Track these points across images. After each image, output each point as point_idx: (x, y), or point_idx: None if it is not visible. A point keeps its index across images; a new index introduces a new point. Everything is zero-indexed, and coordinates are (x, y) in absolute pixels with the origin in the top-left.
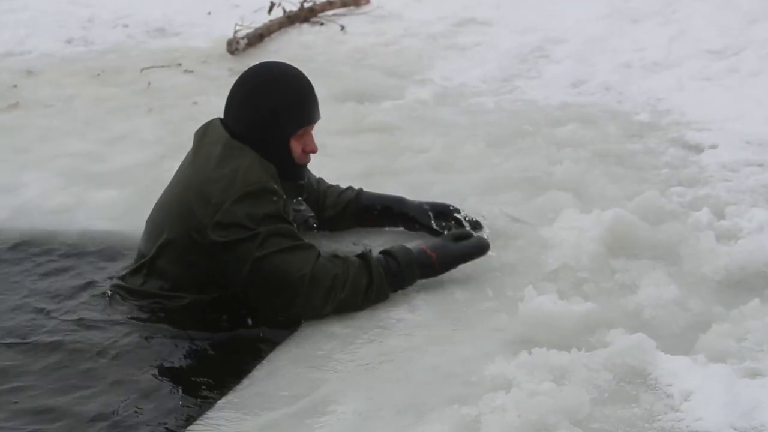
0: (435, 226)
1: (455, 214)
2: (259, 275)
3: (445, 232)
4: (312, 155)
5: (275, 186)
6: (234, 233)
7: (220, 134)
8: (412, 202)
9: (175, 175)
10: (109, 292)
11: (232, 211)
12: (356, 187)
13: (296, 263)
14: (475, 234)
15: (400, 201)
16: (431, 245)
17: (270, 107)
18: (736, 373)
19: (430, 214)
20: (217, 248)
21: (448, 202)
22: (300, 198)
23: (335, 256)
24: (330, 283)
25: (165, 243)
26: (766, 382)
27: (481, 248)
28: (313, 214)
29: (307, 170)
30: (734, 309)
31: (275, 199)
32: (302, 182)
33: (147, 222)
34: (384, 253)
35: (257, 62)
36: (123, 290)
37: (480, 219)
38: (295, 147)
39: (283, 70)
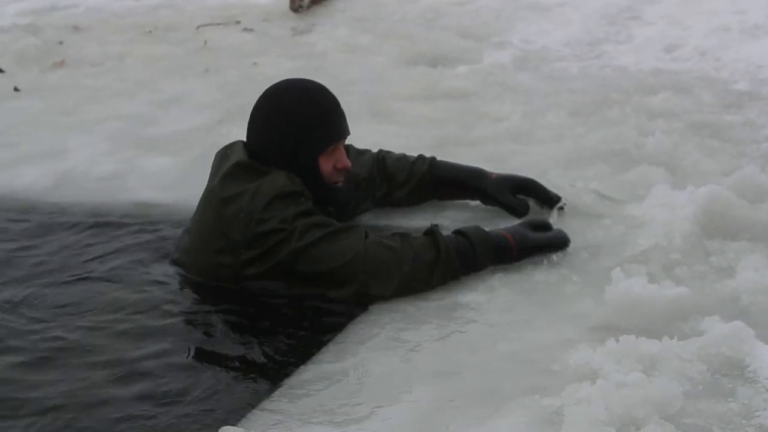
0: (513, 203)
1: (538, 189)
2: (309, 266)
3: (523, 219)
4: (373, 143)
5: (302, 189)
6: (270, 239)
7: (241, 157)
8: (491, 175)
9: (195, 211)
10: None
11: (264, 220)
12: (428, 155)
13: (342, 247)
14: (554, 221)
15: (477, 174)
16: (509, 230)
17: (298, 125)
18: None
19: (509, 190)
20: (256, 261)
21: (530, 176)
22: None
23: (393, 234)
24: (389, 260)
25: (195, 273)
26: None
27: (561, 242)
28: None
29: (343, 192)
30: None
31: (303, 199)
32: (331, 209)
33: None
34: (456, 232)
35: (326, 20)
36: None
37: (562, 195)
38: (325, 165)
39: (307, 86)
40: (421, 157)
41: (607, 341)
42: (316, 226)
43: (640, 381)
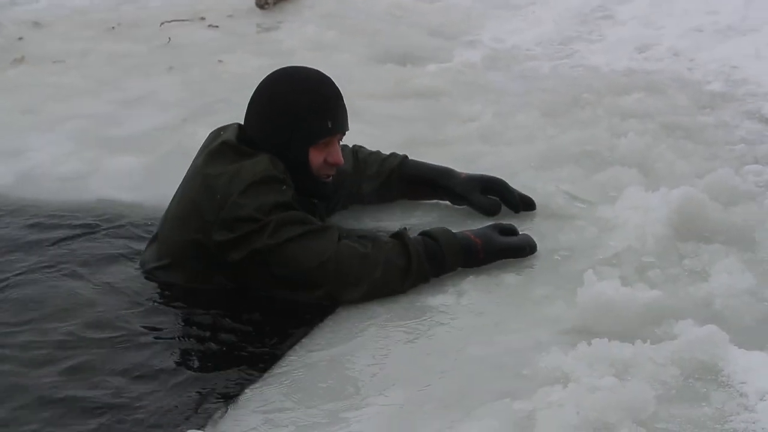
0: (483, 203)
1: (506, 191)
2: (278, 266)
3: (492, 222)
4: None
5: (283, 176)
6: (242, 228)
7: (231, 137)
8: (460, 175)
9: (180, 184)
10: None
11: (239, 205)
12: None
13: (315, 249)
14: (522, 232)
15: (446, 174)
16: (476, 232)
17: (291, 113)
18: None
19: (478, 190)
20: (226, 247)
21: (500, 177)
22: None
23: (363, 236)
24: (359, 266)
25: (166, 249)
26: None
27: (528, 247)
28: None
29: (331, 186)
30: None
31: (284, 188)
32: (315, 201)
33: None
34: (424, 234)
35: (292, 17)
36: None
37: (533, 197)
38: (315, 158)
39: (308, 76)
40: (393, 154)
41: (579, 345)
42: (291, 222)
43: (612, 385)
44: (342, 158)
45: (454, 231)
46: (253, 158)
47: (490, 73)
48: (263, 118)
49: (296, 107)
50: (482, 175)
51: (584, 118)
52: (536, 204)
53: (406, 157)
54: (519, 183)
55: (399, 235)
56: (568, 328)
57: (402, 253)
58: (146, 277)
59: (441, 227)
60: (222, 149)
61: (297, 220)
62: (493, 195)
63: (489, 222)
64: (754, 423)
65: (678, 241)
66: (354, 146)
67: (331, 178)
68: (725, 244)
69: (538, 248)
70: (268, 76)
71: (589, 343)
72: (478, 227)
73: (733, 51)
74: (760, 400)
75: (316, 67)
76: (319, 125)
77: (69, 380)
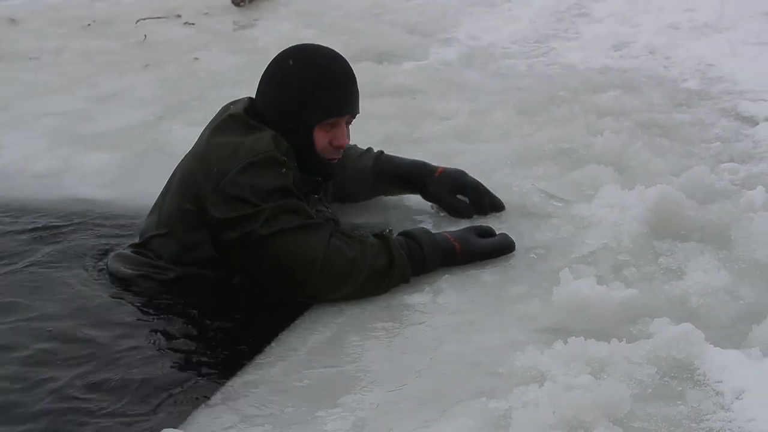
0: (454, 204)
1: (477, 193)
2: (267, 257)
3: (469, 225)
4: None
5: (285, 158)
6: (236, 209)
7: (239, 110)
8: (435, 171)
9: (185, 155)
10: (103, 265)
11: (236, 182)
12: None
13: (306, 245)
14: (498, 232)
15: (420, 171)
16: (455, 235)
17: (299, 88)
18: None
19: (450, 191)
20: (217, 225)
21: (477, 174)
22: (317, 196)
23: (350, 235)
24: (347, 268)
25: (165, 217)
26: None
27: (506, 248)
28: (337, 219)
29: (335, 167)
30: None
31: (284, 170)
32: (318, 179)
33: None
34: (405, 234)
35: (268, 15)
36: (119, 261)
37: (509, 195)
38: (320, 137)
39: (323, 53)
40: (369, 149)
41: (555, 343)
42: (287, 212)
43: (588, 384)
44: (346, 139)
45: (433, 232)
46: (256, 134)
47: (466, 71)
48: (272, 93)
49: (304, 84)
50: (456, 172)
51: (560, 116)
52: (513, 202)
53: (381, 153)
54: (495, 181)
55: (383, 238)
56: (544, 326)
57: (386, 256)
58: (139, 248)
59: (422, 229)
60: (228, 121)
61: (292, 209)
62: (464, 195)
63: (465, 224)
64: (730, 422)
65: (654, 239)
66: None
67: (335, 160)
68: (701, 242)
69: (515, 247)
70: (282, 51)
71: (565, 342)
72: (454, 229)
73: (709, 49)
74: (736, 398)
75: None
76: (325, 104)
77: (35, 381)
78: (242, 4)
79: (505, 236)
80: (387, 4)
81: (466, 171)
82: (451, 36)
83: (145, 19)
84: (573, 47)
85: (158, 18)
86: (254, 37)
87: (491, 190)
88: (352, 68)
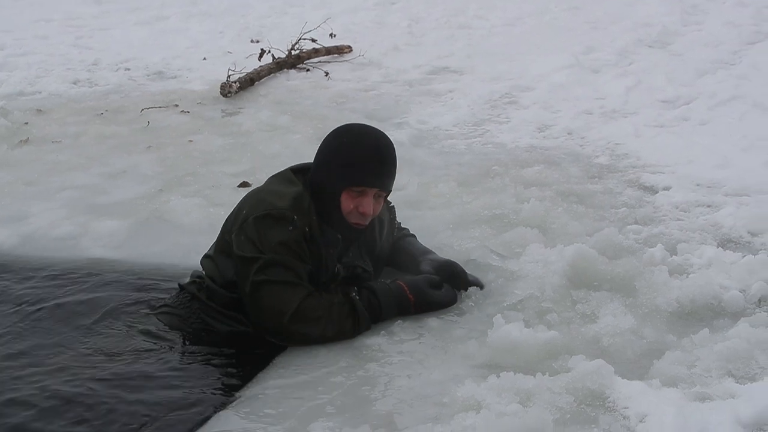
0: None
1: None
2: (254, 297)
3: (425, 275)
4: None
5: (295, 216)
6: (243, 248)
7: (295, 166)
8: (427, 258)
9: None
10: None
11: (250, 226)
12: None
13: (284, 297)
14: (446, 285)
15: (419, 259)
16: (411, 287)
17: (335, 156)
18: (686, 397)
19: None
20: (233, 252)
21: (422, 236)
22: (350, 251)
23: (324, 294)
24: (314, 325)
25: (214, 243)
26: (714, 406)
27: (453, 300)
28: (368, 268)
29: (358, 232)
30: (685, 338)
31: (291, 228)
32: (339, 236)
33: None
34: (367, 288)
35: (251, 104)
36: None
37: (450, 254)
38: (346, 202)
39: (365, 131)
40: (404, 230)
41: (490, 377)
42: (277, 265)
43: (517, 411)
44: (371, 209)
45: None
46: (289, 188)
47: (416, 150)
48: (317, 157)
49: (339, 153)
50: (442, 261)
51: (493, 186)
52: (455, 259)
53: (403, 237)
54: (439, 241)
55: (351, 300)
56: (481, 363)
57: (352, 316)
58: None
59: (382, 283)
60: (281, 174)
61: (287, 265)
62: (444, 275)
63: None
64: None
65: (572, 289)
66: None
67: (362, 226)
68: (611, 291)
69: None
70: (340, 125)
71: (498, 376)
72: (413, 277)
73: (616, 130)
74: (640, 422)
75: (273, 144)
76: (351, 173)
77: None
78: (229, 95)
79: (452, 291)
80: (349, 94)
81: (414, 233)
82: (403, 120)
83: (148, 108)
84: (504, 129)
85: (159, 107)
86: (239, 122)
87: (465, 268)
88: (395, 152)
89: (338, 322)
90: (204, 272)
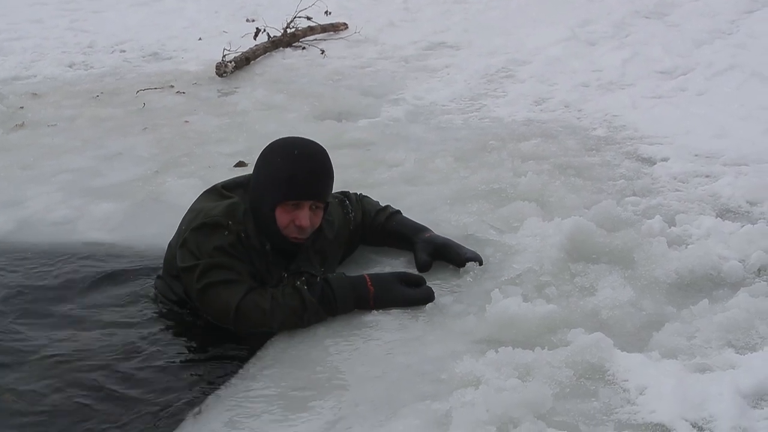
0: (419, 262)
1: (451, 253)
2: (202, 302)
3: (401, 271)
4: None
5: (229, 222)
6: (184, 259)
7: (225, 181)
8: (425, 234)
9: None
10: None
11: (189, 239)
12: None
13: (224, 297)
14: (427, 283)
15: (416, 233)
16: (375, 280)
17: (266, 172)
18: (686, 369)
19: (428, 251)
20: (181, 272)
21: (420, 211)
22: (296, 260)
23: (267, 290)
24: (260, 315)
25: (166, 260)
26: (714, 377)
27: (424, 300)
28: (317, 273)
29: (296, 245)
30: (684, 309)
31: (226, 233)
32: (267, 247)
33: None
34: (324, 279)
35: (246, 83)
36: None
37: (448, 229)
38: (281, 217)
39: (298, 144)
40: (387, 208)
41: (488, 353)
42: (215, 268)
43: (516, 386)
44: (308, 222)
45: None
46: (221, 201)
47: (412, 126)
48: (253, 176)
49: (270, 170)
50: (435, 237)
51: (491, 161)
52: (453, 234)
53: (392, 215)
54: (437, 216)
55: (297, 289)
56: (479, 338)
57: (299, 302)
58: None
59: (340, 275)
60: (210, 189)
61: (224, 266)
62: (441, 255)
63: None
64: (635, 414)
65: (570, 262)
66: (359, 195)
67: (301, 240)
68: (609, 263)
69: (452, 268)
70: (273, 141)
71: (497, 351)
72: (387, 271)
73: (613, 102)
74: (640, 394)
75: (269, 123)
76: (284, 188)
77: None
78: (225, 75)
79: (428, 289)
80: (345, 71)
81: (412, 208)
82: (399, 97)
83: (144, 89)
84: (501, 103)
85: (155, 88)
86: (235, 102)
87: (464, 243)
88: (327, 161)
89: (283, 313)
90: (157, 292)
